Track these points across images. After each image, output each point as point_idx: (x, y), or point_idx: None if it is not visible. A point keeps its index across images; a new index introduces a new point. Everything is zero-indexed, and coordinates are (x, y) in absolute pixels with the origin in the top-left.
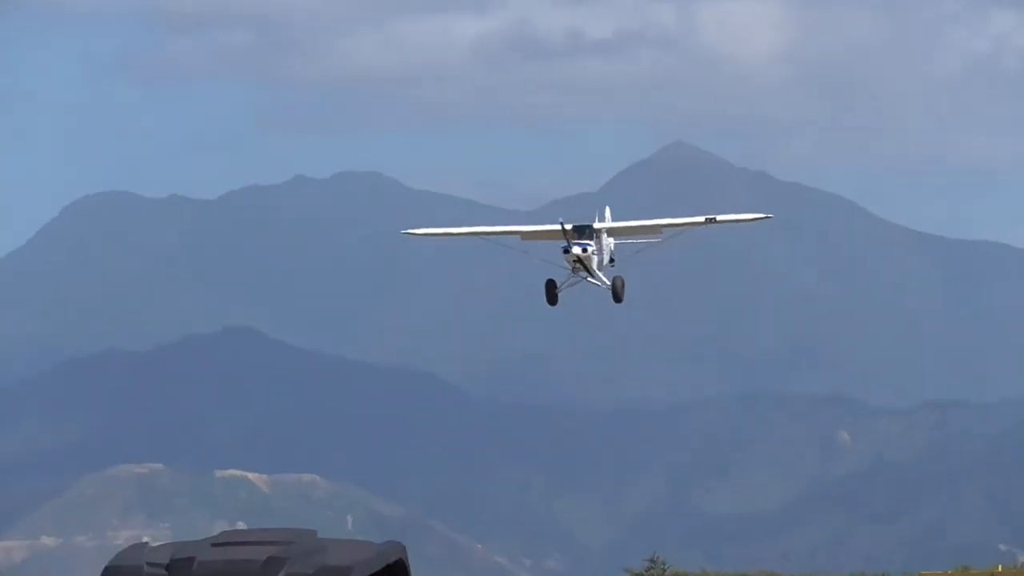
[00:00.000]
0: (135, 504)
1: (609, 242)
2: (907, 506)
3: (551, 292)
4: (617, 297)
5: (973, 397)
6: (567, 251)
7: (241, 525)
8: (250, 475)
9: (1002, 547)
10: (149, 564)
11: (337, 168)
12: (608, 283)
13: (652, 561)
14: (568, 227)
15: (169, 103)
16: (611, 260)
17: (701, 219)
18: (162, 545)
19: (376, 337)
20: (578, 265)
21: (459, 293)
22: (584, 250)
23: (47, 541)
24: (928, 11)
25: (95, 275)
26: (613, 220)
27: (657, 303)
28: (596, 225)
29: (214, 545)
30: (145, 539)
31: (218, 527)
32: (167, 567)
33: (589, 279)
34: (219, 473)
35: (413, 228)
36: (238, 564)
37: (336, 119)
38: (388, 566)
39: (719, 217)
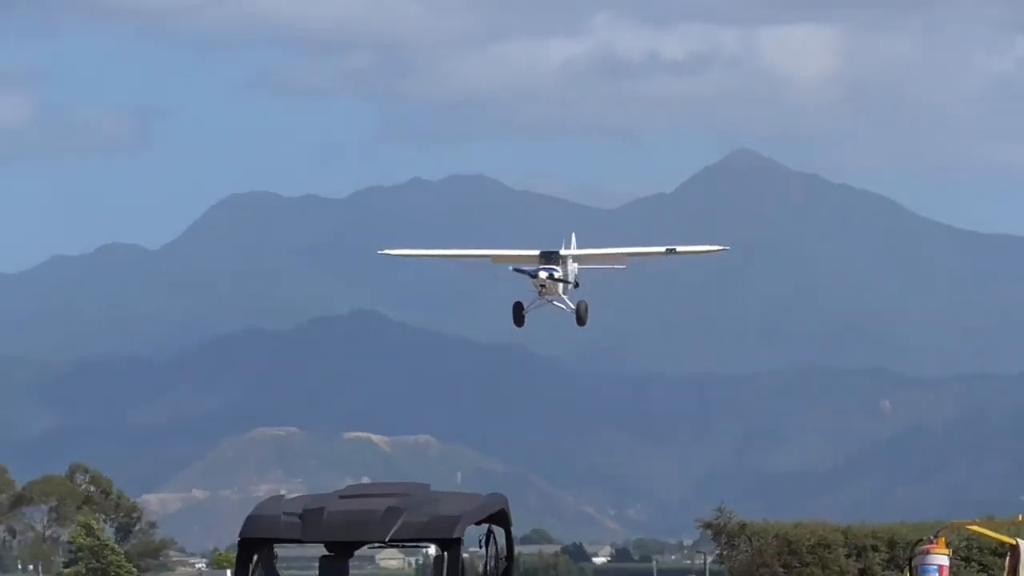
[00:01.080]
0: (273, 462)
1: (574, 267)
2: (940, 465)
3: (518, 314)
4: (581, 320)
5: (997, 370)
6: (534, 276)
7: (365, 480)
8: (373, 437)
9: (1023, 498)
10: (285, 513)
11: (448, 171)
12: (573, 307)
13: (720, 511)
14: (535, 253)
15: (304, 115)
16: (575, 284)
17: (662, 249)
18: (297, 497)
19: (481, 318)
20: (544, 289)
21: None
22: (550, 275)
23: (197, 494)
24: (958, 37)
25: (238, 264)
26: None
27: (723, 289)
28: (562, 252)
29: (341, 497)
30: (282, 492)
31: (345, 482)
32: (300, 516)
33: (555, 302)
34: (346, 435)
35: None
36: (362, 514)
37: (447, 129)
38: (492, 515)
39: (679, 248)
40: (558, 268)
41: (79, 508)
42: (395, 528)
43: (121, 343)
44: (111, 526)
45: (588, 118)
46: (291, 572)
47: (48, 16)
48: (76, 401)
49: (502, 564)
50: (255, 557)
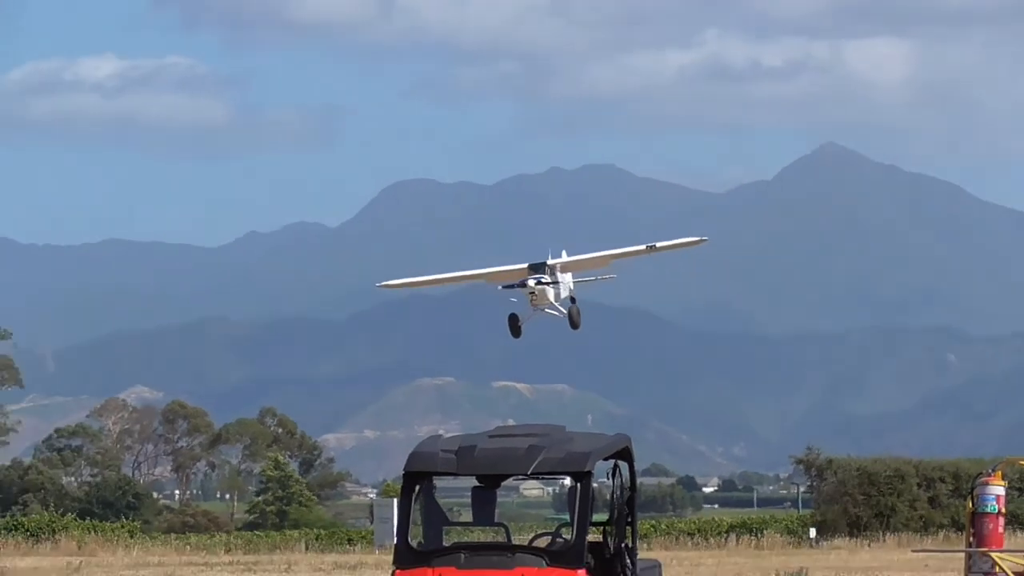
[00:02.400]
0: (433, 407)
1: (567, 279)
2: (999, 410)
3: (514, 326)
4: (574, 324)
5: None
6: (523, 285)
7: (510, 422)
8: (518, 385)
9: None
10: (443, 451)
11: (582, 161)
12: (565, 312)
13: (810, 449)
14: (524, 266)
15: (459, 113)
16: (572, 299)
17: (643, 247)
18: (452, 436)
19: (611, 285)
20: (535, 297)
21: (676, 252)
22: (539, 282)
23: (368, 434)
24: (1014, 48)
25: (403, 241)
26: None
27: (815, 261)
28: (550, 261)
29: (490, 437)
30: (440, 432)
31: (493, 423)
32: (456, 452)
33: (547, 310)
34: (495, 384)
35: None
36: (507, 451)
37: (581, 125)
38: (617, 451)
39: (658, 244)
40: (546, 276)
41: (268, 446)
42: (536, 463)
43: (305, 306)
44: (295, 461)
45: (701, 116)
46: (448, 500)
47: (247, 32)
48: (267, 356)
49: (626, 493)
50: (417, 488)
